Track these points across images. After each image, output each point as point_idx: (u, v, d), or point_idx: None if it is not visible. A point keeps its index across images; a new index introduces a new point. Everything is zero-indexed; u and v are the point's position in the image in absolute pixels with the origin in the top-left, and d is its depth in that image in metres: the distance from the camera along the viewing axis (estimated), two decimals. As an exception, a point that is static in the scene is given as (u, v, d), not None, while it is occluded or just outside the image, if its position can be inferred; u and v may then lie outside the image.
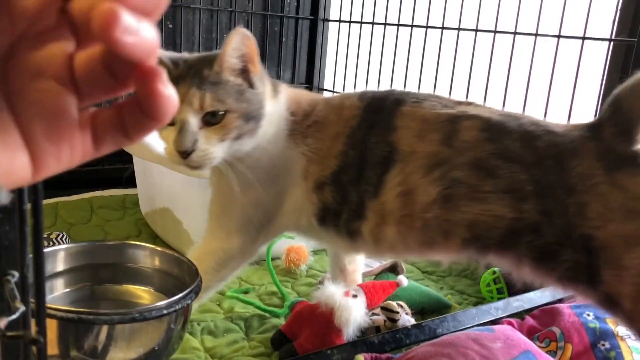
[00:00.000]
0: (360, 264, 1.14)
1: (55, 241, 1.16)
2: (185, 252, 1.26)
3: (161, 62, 0.78)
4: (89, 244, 0.79)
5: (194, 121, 0.78)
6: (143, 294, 0.79)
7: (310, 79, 1.95)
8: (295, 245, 1.26)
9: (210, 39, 1.74)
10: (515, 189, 0.72)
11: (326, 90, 1.97)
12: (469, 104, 0.85)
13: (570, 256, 0.69)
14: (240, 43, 0.80)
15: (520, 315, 1.06)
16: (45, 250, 0.74)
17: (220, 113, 0.79)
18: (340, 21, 1.86)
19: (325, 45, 1.92)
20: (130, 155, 1.36)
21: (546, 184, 0.70)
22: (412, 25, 1.58)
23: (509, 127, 0.75)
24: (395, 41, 1.63)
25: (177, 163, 0.79)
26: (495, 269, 1.19)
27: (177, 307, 0.67)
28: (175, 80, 0.78)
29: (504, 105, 1.38)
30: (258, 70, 0.84)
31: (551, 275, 0.73)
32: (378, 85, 1.70)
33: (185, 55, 0.85)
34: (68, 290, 0.75)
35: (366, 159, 0.83)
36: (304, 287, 1.21)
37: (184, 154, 0.77)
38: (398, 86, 1.64)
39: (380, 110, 0.86)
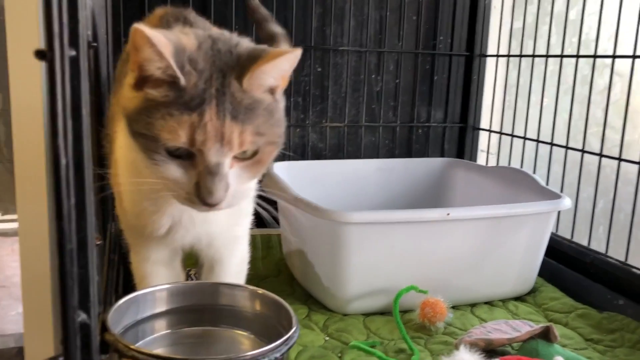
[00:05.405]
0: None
1: (192, 277, 1.20)
2: (318, 296, 1.24)
3: (167, 68, 0.60)
4: (189, 284, 0.79)
5: (227, 162, 0.63)
6: (243, 340, 0.76)
7: (465, 118, 1.82)
8: (432, 299, 1.15)
9: (359, 80, 1.72)
10: None
11: (482, 129, 1.83)
12: None
13: None
14: (290, 63, 0.65)
15: None
16: (145, 290, 0.74)
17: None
18: (498, 56, 1.73)
19: (482, 82, 1.79)
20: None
21: None
22: (577, 56, 1.40)
23: None
24: (558, 74, 1.46)
25: (193, 207, 0.66)
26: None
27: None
28: (190, 100, 0.61)
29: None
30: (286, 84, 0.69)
31: None
32: (539, 123, 1.53)
33: (186, 42, 0.64)
34: (169, 331, 0.75)
35: None
36: (439, 345, 1.08)
37: (212, 205, 0.64)
38: (562, 123, 1.46)
39: None
